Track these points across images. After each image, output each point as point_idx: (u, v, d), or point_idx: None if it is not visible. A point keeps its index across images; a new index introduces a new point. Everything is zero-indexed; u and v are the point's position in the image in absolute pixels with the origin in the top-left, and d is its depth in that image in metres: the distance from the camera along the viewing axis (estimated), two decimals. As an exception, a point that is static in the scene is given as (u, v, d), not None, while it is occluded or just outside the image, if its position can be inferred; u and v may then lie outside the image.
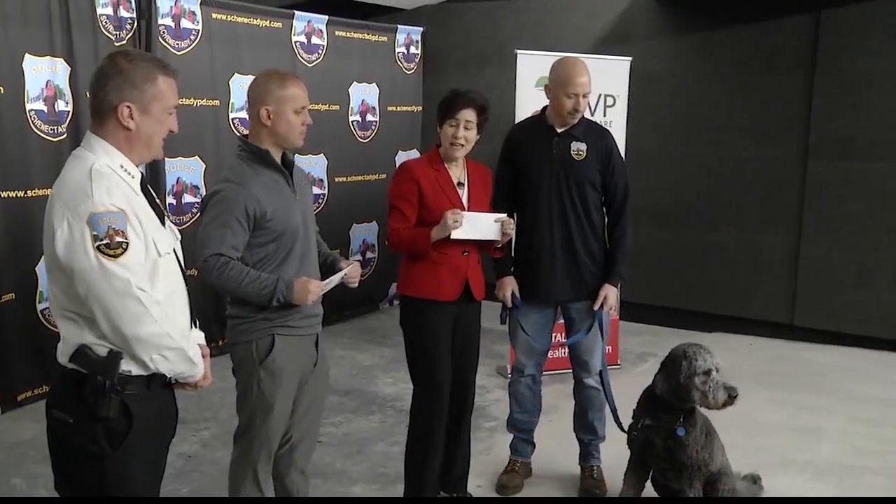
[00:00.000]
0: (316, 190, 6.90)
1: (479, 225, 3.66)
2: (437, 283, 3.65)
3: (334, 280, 3.21)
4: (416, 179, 3.61)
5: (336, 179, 7.11)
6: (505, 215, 3.74)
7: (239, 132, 5.60)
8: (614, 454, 4.03)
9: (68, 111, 5.15)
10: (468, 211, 3.64)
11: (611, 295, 4.04)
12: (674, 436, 3.53)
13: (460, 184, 3.72)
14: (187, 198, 5.88)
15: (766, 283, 7.04)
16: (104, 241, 2.16)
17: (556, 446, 4.38)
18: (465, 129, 3.61)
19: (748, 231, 7.06)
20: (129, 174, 2.32)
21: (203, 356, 2.50)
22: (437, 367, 3.65)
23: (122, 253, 2.18)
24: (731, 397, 3.46)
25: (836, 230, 6.70)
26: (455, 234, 3.57)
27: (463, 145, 3.62)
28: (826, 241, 6.76)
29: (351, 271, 3.29)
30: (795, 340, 6.81)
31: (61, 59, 5.10)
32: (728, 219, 7.13)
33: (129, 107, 2.30)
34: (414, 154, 7.88)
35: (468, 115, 3.61)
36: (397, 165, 3.71)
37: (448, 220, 3.53)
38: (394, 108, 7.62)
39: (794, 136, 6.79)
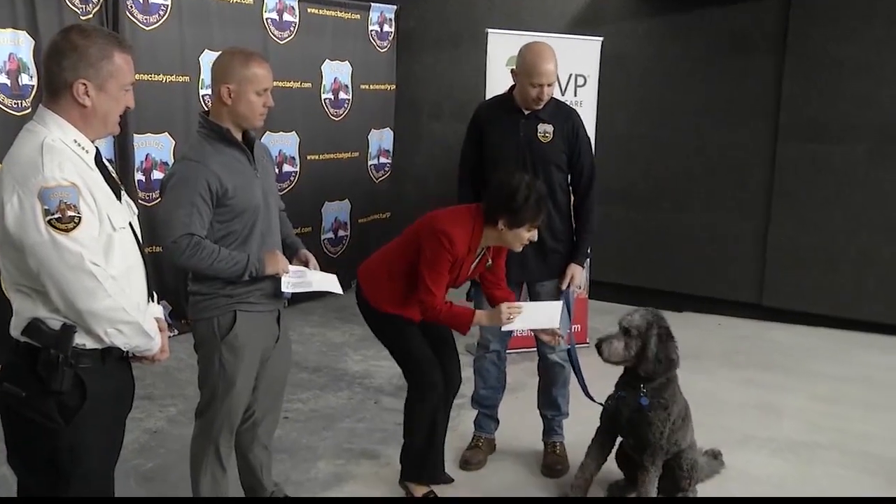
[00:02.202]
0: (287, 168, 6.89)
1: (535, 315, 3.61)
2: (405, 309, 3.61)
3: (305, 286, 3.22)
4: (456, 257, 3.48)
5: (308, 157, 7.09)
6: (560, 304, 3.70)
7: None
8: (578, 431, 4.08)
9: (33, 85, 5.11)
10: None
11: (577, 274, 4.08)
12: (640, 409, 3.59)
13: (477, 255, 3.65)
14: (156, 174, 5.84)
15: (735, 263, 7.11)
16: (55, 216, 2.16)
17: (519, 422, 4.43)
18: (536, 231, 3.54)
19: (717, 212, 7.12)
20: (83, 149, 2.31)
21: (161, 330, 2.51)
22: (427, 366, 3.62)
23: (75, 227, 2.18)
24: None
25: (803, 212, 6.78)
26: (508, 327, 3.57)
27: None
28: (794, 223, 6.83)
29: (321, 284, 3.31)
30: (762, 320, 6.90)
31: (24, 32, 5.05)
32: (697, 200, 7.19)
33: (84, 84, 2.29)
34: (387, 134, 7.89)
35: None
36: (440, 229, 3.43)
37: (503, 315, 3.50)
38: (367, 87, 7.60)
39: (763, 119, 6.84)
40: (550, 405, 4.23)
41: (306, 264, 3.35)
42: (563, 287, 4.06)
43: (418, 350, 3.63)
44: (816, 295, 6.78)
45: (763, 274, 7.00)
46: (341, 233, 7.55)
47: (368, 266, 3.74)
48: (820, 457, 4.36)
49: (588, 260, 4.35)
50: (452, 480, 3.88)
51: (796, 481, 4.08)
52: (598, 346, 3.59)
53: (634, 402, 3.60)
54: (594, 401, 3.86)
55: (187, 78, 6.01)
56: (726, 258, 7.13)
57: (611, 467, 3.87)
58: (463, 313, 3.51)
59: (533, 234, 3.50)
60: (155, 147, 5.89)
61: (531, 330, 3.79)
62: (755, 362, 5.92)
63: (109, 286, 2.23)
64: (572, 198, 4.12)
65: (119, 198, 2.40)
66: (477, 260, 3.63)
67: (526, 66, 3.89)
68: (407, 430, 3.73)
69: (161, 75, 5.80)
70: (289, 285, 3.19)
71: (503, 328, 3.61)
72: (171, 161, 5.90)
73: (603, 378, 3.77)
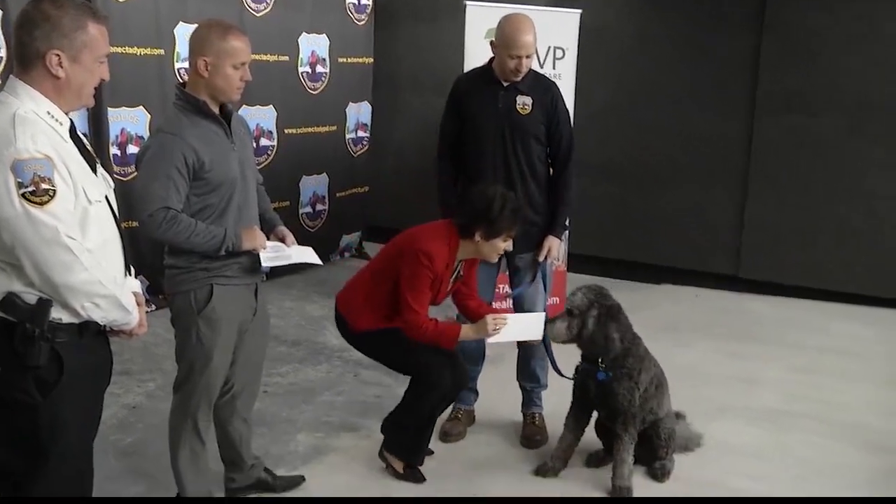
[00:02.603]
0: (265, 142, 6.84)
1: (519, 327, 3.64)
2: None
3: (283, 259, 3.22)
4: (436, 273, 3.53)
5: (286, 131, 7.03)
6: (543, 315, 3.72)
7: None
8: (556, 402, 4.11)
9: (1, 56, 5.02)
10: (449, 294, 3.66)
11: (554, 246, 4.10)
12: (604, 381, 3.64)
13: (457, 275, 3.71)
14: (132, 148, 5.77)
15: (713, 236, 7.16)
16: (29, 189, 2.13)
17: (498, 394, 4.46)
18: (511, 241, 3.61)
19: (695, 185, 7.15)
20: (57, 121, 2.28)
21: (138, 304, 2.49)
22: (433, 364, 3.61)
23: (49, 200, 2.16)
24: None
25: (781, 185, 6.82)
26: (493, 340, 3.59)
27: None
28: (772, 196, 6.87)
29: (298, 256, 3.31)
30: (740, 292, 6.96)
31: (-8, 3, 4.96)
32: (676, 173, 7.21)
33: (58, 55, 2.25)
34: (365, 107, 7.83)
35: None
36: (418, 248, 3.49)
37: (488, 326, 3.52)
38: (344, 60, 7.53)
39: (742, 92, 6.86)
40: (529, 377, 4.25)
41: (283, 241, 3.33)
42: (541, 259, 4.07)
43: (418, 351, 3.61)
44: (794, 267, 6.84)
45: (740, 246, 7.05)
46: (319, 207, 7.51)
47: (346, 294, 3.77)
48: (797, 426, 4.42)
49: (566, 233, 4.36)
50: (432, 452, 3.90)
51: (773, 449, 4.14)
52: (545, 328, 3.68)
53: (595, 376, 3.66)
54: (562, 375, 3.89)
55: (162, 51, 5.93)
56: (704, 231, 7.17)
57: (591, 438, 3.90)
58: (449, 329, 3.57)
59: (508, 244, 3.58)
60: (130, 121, 5.81)
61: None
62: (733, 334, 5.97)
63: (86, 260, 2.21)
64: (550, 170, 4.13)
65: (94, 171, 2.37)
66: (454, 275, 3.68)
67: (504, 37, 3.87)
68: (403, 414, 3.73)
69: (135, 48, 5.72)
70: (267, 259, 3.17)
71: (489, 341, 3.65)
72: (146, 135, 5.81)
73: (577, 351, 3.78)
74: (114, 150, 5.72)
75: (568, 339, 3.67)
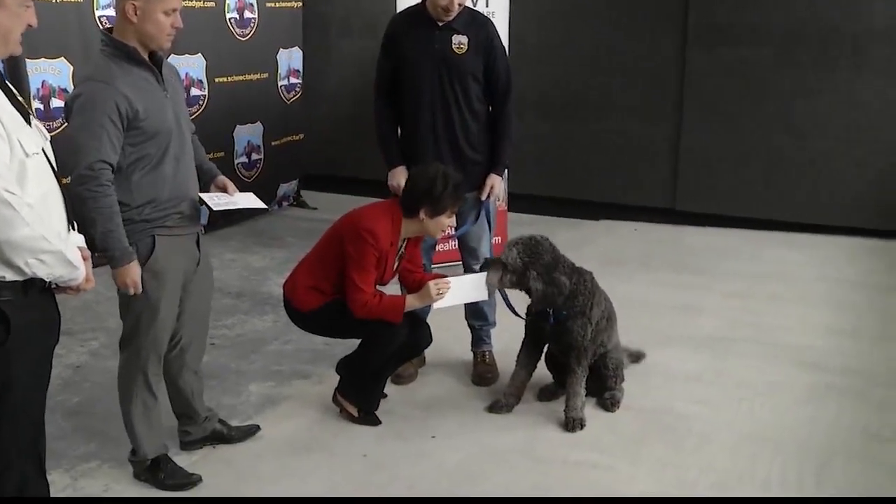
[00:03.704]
0: (196, 91, 6.65)
1: (463, 289, 3.66)
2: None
3: (231, 204, 3.19)
4: (381, 251, 3.52)
5: (216, 80, 6.84)
6: (484, 274, 3.72)
7: (107, 31, 5.31)
8: (506, 339, 4.17)
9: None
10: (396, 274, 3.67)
11: (496, 184, 4.11)
12: (557, 320, 3.69)
13: (400, 250, 3.70)
14: (56, 102, 5.56)
15: (649, 170, 7.26)
16: (-39, 142, 2.05)
17: (448, 335, 4.48)
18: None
19: (631, 119, 7.22)
20: (-17, 70, 2.18)
21: (84, 259, 2.42)
22: (381, 331, 3.61)
23: (-18, 155, 2.07)
24: None
25: (714, 116, 6.94)
26: (439, 304, 3.59)
27: None
28: (705, 128, 6.99)
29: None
30: (677, 224, 7.10)
31: None
32: (611, 108, 7.27)
33: None
34: (296, 53, 7.67)
35: None
36: (362, 226, 3.48)
37: (432, 292, 3.54)
38: (273, 5, 7.33)
39: (672, 24, 6.92)
40: (477, 315, 4.29)
41: (225, 190, 3.27)
42: (483, 198, 4.08)
43: (366, 321, 3.59)
44: (728, 197, 7.00)
45: (676, 179, 7.17)
46: (255, 156, 7.38)
47: (291, 279, 3.74)
48: (736, 350, 4.56)
49: (506, 171, 4.37)
50: (386, 396, 3.92)
51: (715, 374, 4.27)
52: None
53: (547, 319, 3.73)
54: (516, 314, 3.93)
55: (81, -3, 5.69)
56: (640, 165, 7.27)
57: (541, 372, 3.97)
58: (394, 301, 3.59)
59: (452, 220, 3.63)
60: (52, 73, 5.59)
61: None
62: (671, 265, 6.10)
63: (27, 214, 2.13)
64: (490, 108, 4.11)
65: (28, 122, 2.28)
66: (399, 253, 3.68)
67: None
68: (359, 361, 3.73)
69: (53, -6, 5.48)
70: (214, 205, 3.13)
71: (435, 306, 3.66)
72: (70, 88, 5.60)
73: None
74: (36, 104, 5.50)
75: (503, 287, 3.75)
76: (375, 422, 3.75)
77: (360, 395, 3.77)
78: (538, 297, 3.68)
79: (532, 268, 3.65)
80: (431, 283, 3.58)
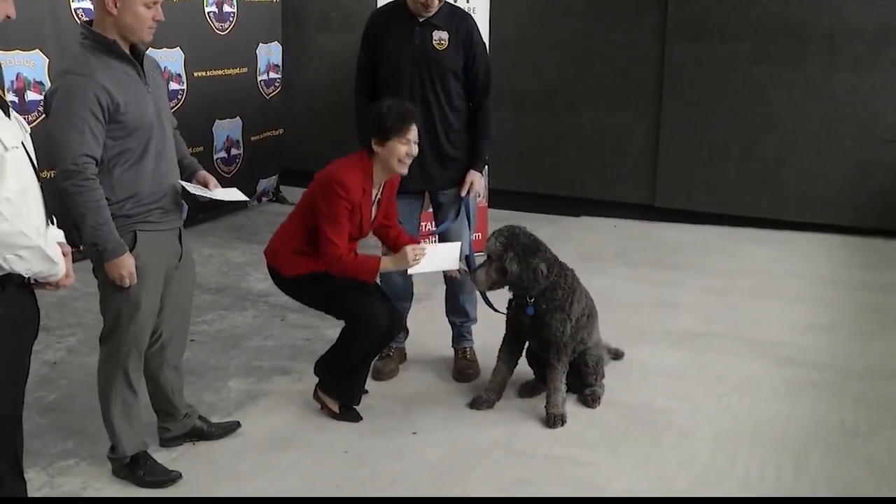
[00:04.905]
0: (174, 85, 6.60)
1: (438, 257, 3.64)
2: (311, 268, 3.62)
3: (210, 195, 3.18)
4: (352, 202, 3.48)
5: (195, 74, 6.80)
6: (459, 244, 3.71)
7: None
8: (486, 335, 4.17)
9: None
10: (373, 227, 3.63)
11: (476, 181, 4.11)
12: (536, 314, 3.70)
13: (376, 199, 3.67)
14: (31, 95, 5.50)
15: (629, 166, 7.30)
16: (-62, 137, 2.02)
17: (429, 331, 4.49)
18: (414, 145, 3.54)
19: (610, 114, 7.25)
20: (-40, 63, 2.15)
21: (64, 254, 2.40)
22: (368, 305, 3.61)
23: (-40, 148, 2.05)
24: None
25: (692, 112, 6.98)
26: (413, 270, 3.56)
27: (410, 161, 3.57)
28: (682, 123, 7.02)
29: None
30: (655, 221, 7.13)
31: None
32: (591, 104, 7.29)
33: None
34: (275, 48, 7.63)
35: (415, 131, 3.53)
36: (331, 179, 3.46)
37: (409, 256, 3.50)
38: (251, -1, 7.31)
39: (651, 20, 6.95)
40: (458, 312, 4.29)
41: (206, 185, 3.25)
42: (463, 194, 4.09)
43: (352, 295, 3.60)
44: (705, 194, 7.05)
45: (655, 176, 7.21)
46: (234, 151, 7.34)
47: (273, 244, 3.72)
48: (715, 346, 4.59)
49: (486, 167, 4.37)
50: (367, 392, 3.91)
51: (694, 370, 4.29)
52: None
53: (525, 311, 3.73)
54: (495, 310, 3.94)
55: (54, -12, 5.62)
56: (620, 161, 7.31)
57: (522, 368, 3.98)
58: (369, 261, 3.57)
59: (410, 148, 3.54)
60: (27, 66, 5.52)
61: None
62: (648, 261, 6.13)
63: (5, 209, 2.11)
64: (469, 104, 4.11)
65: (7, 114, 2.25)
66: (376, 199, 3.66)
67: None
68: (336, 357, 3.71)
69: (27, -14, 5.40)
70: (193, 188, 3.13)
71: (409, 271, 3.64)
72: (46, 81, 5.55)
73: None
74: (11, 97, 5.43)
75: (492, 285, 3.73)
76: (356, 418, 3.74)
77: (340, 391, 3.76)
78: (513, 278, 3.67)
79: (510, 249, 3.66)
80: (409, 248, 3.55)
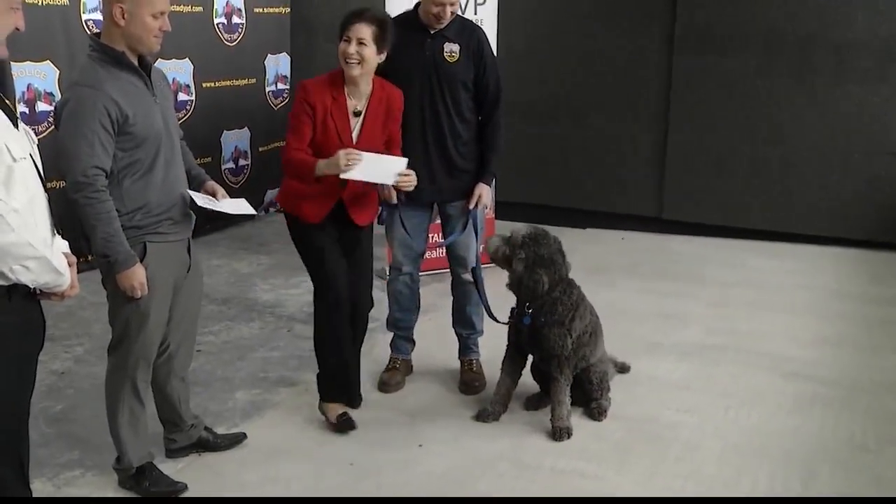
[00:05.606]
0: (183, 96, 6.63)
1: (375, 168, 3.51)
2: (300, 204, 3.63)
3: (217, 206, 3.19)
4: (311, 104, 3.48)
5: (203, 85, 6.84)
6: (405, 161, 3.61)
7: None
8: (492, 347, 4.16)
9: None
10: (358, 146, 3.50)
11: (485, 193, 4.10)
12: (535, 326, 3.70)
13: (357, 112, 3.60)
14: (42, 106, 5.53)
15: (636, 178, 7.28)
16: (-52, 146, 2.03)
17: (435, 343, 4.48)
18: (359, 45, 3.47)
19: (617, 126, 7.24)
20: (-30, 75, 2.17)
21: (69, 265, 2.41)
22: (332, 283, 3.62)
23: (-31, 158, 2.06)
24: None
25: (699, 124, 6.96)
26: (345, 175, 3.45)
27: (358, 62, 3.48)
28: (689, 135, 7.02)
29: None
30: (663, 233, 7.12)
31: None
32: (598, 116, 7.28)
33: None
34: (283, 59, 7.68)
35: (361, 30, 3.46)
36: (296, 84, 3.54)
37: (340, 161, 3.39)
38: (260, 10, 7.34)
39: (659, 31, 6.96)
40: (465, 324, 4.29)
41: (214, 196, 3.26)
42: (471, 206, 4.08)
43: (328, 264, 3.63)
44: (713, 206, 7.03)
45: (662, 189, 7.20)
46: (242, 162, 7.36)
47: (282, 191, 3.77)
48: (721, 358, 4.57)
49: (494, 180, 4.36)
50: (362, 398, 3.92)
51: (701, 382, 4.28)
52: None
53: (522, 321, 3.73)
54: (496, 320, 3.94)
55: (66, 0, 5.66)
56: (627, 172, 7.29)
57: (528, 381, 3.97)
58: (306, 160, 3.50)
59: (350, 45, 3.47)
60: (37, 77, 5.56)
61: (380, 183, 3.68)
62: (657, 273, 6.12)
63: (13, 220, 2.12)
64: (479, 116, 4.11)
65: (16, 125, 2.26)
66: (359, 116, 3.59)
67: None
68: (317, 351, 3.75)
69: (38, -3, 5.45)
70: (201, 199, 3.13)
71: (341, 176, 3.46)
72: (56, 92, 5.59)
73: (510, 296, 3.82)
74: (22, 108, 5.47)
75: (496, 259, 3.75)
76: (349, 427, 3.70)
77: (333, 389, 3.76)
78: (513, 278, 3.70)
79: (524, 249, 3.65)
80: (342, 153, 3.38)
